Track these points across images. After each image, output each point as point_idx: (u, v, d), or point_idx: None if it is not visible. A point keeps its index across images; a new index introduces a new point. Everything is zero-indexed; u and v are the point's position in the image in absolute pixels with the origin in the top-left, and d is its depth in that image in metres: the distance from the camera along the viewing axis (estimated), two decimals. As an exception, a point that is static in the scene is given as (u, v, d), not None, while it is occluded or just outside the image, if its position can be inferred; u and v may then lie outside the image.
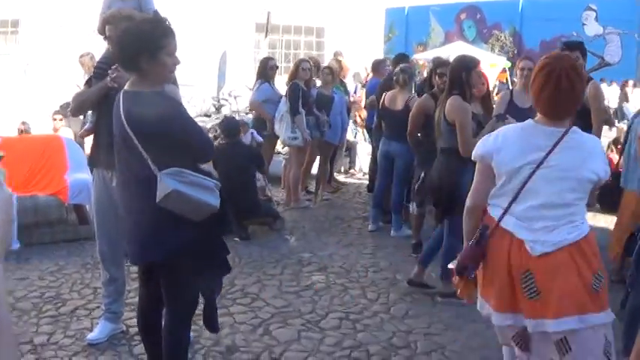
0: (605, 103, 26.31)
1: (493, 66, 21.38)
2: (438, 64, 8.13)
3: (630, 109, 23.29)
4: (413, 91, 9.20)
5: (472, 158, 4.11)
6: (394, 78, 8.97)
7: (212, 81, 16.01)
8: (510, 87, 10.38)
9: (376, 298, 6.78)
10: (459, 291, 4.14)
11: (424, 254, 7.03)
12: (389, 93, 9.02)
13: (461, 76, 6.45)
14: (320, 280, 7.22)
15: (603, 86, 27.21)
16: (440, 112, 6.60)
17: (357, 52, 16.99)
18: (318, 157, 11.27)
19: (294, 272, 7.47)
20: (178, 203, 4.04)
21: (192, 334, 5.52)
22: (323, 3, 18.54)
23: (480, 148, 3.99)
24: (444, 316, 6.33)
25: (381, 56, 16.46)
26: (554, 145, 3.75)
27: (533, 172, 3.75)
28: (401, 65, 9.15)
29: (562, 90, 3.70)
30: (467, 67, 6.51)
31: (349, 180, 13.09)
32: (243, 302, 6.56)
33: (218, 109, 14.66)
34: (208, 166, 8.91)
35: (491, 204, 3.95)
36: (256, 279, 7.20)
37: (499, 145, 3.88)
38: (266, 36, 15.52)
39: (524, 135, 3.88)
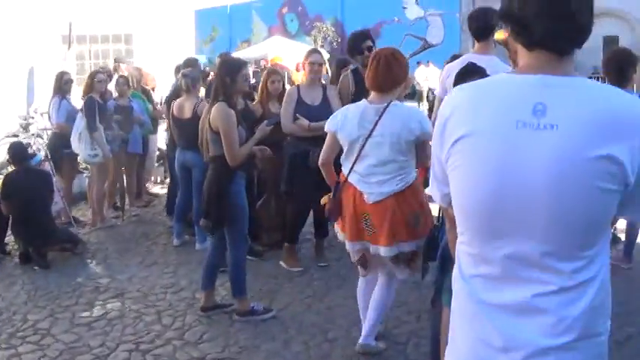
0: (425, 82, 26.92)
1: (313, 58, 21.35)
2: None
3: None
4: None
5: (325, 130, 5.34)
6: (178, 84, 8.62)
7: (19, 99, 15.36)
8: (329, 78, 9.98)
9: (171, 323, 6.43)
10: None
11: (203, 278, 6.65)
12: (177, 101, 8.62)
13: (226, 81, 6.16)
14: (115, 308, 6.81)
15: (422, 68, 27.84)
16: (206, 119, 6.29)
17: (169, 57, 16.54)
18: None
19: (89, 301, 7.03)
20: None
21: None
22: (127, 10, 17.93)
23: (330, 125, 5.26)
24: (240, 337, 6.06)
25: (194, 59, 16.12)
26: (379, 118, 4.99)
27: (366, 141, 5.02)
28: (182, 70, 8.79)
29: (380, 69, 5.02)
30: (232, 71, 6.21)
31: (164, 191, 12.20)
32: (32, 340, 6.12)
33: (25, 128, 14.03)
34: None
35: (344, 165, 5.25)
36: (49, 312, 6.74)
37: (341, 124, 5.15)
38: (69, 47, 14.91)
39: (359, 112, 5.11)
